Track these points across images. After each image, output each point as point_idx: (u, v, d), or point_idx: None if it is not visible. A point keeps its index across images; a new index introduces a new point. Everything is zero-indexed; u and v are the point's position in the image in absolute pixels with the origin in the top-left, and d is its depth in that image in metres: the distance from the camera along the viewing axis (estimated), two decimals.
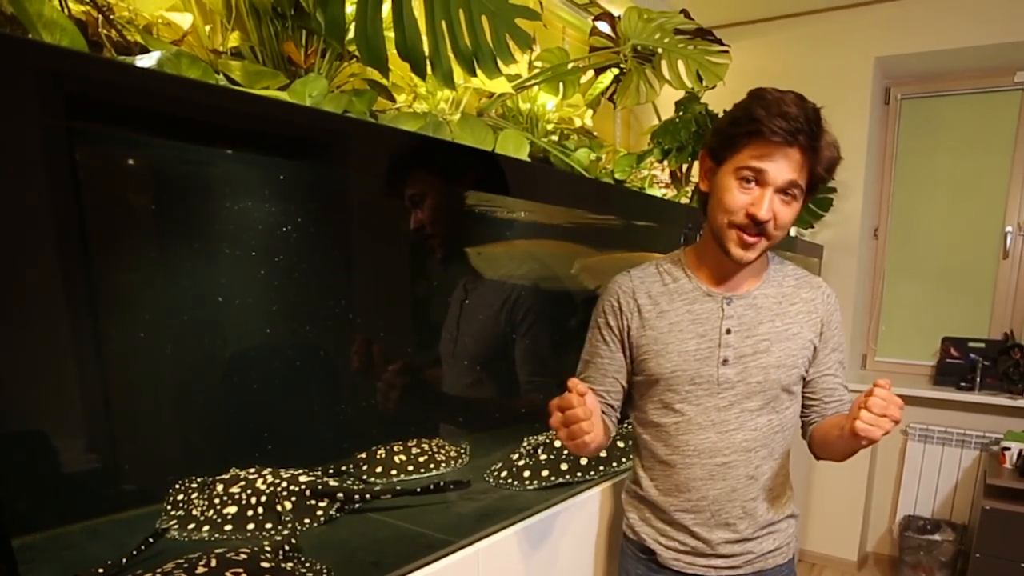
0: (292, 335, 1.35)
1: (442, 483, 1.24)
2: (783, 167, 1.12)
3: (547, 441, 1.51)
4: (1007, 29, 2.83)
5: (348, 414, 1.49)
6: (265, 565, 0.91)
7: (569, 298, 1.89)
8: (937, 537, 3.06)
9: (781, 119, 1.08)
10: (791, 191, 1.14)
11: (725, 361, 1.22)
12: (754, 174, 1.13)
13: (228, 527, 1.11)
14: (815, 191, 1.21)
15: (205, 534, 1.09)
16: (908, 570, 3.11)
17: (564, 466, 1.47)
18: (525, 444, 1.54)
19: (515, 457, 1.49)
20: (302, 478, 1.22)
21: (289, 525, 1.13)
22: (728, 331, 1.22)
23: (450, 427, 1.68)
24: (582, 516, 1.47)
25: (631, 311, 1.28)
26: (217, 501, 1.14)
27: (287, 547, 1.02)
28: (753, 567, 1.31)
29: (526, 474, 1.43)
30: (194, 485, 1.19)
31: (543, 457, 1.47)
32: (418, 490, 1.23)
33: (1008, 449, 2.81)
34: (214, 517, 1.12)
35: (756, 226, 1.15)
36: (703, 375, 1.22)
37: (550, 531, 1.36)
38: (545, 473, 1.44)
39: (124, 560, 0.96)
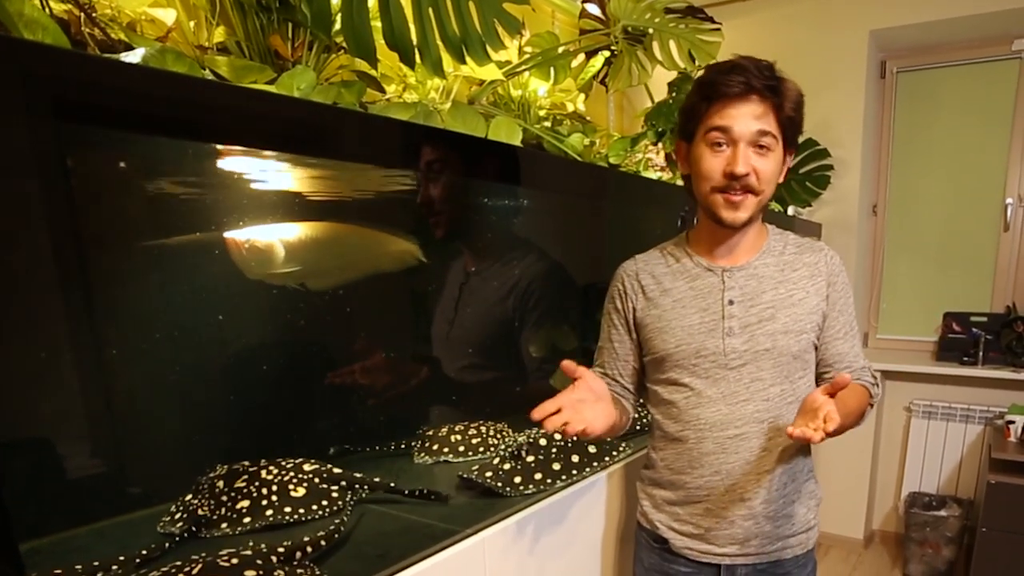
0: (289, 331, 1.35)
1: (426, 491, 1.26)
2: (747, 118, 1.13)
3: (531, 441, 1.45)
4: None
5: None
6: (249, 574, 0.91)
7: None
8: (943, 513, 3.07)
9: (731, 73, 1.13)
10: (763, 141, 1.15)
11: (730, 331, 1.22)
12: (722, 133, 1.15)
13: (247, 519, 1.11)
14: (793, 139, 1.21)
15: (227, 529, 1.10)
16: (915, 547, 3.12)
17: (557, 466, 1.42)
18: (504, 447, 1.47)
19: (497, 461, 1.42)
20: (306, 467, 1.23)
21: (340, 515, 1.13)
22: (731, 302, 1.23)
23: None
24: (587, 502, 1.47)
25: (635, 292, 1.31)
26: (234, 494, 1.15)
27: (309, 549, 1.01)
28: (769, 556, 1.28)
29: (516, 479, 1.36)
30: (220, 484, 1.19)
31: (531, 459, 1.41)
32: (405, 492, 1.26)
33: (1012, 422, 2.80)
34: (229, 514, 1.12)
35: (737, 182, 1.16)
36: (708, 348, 1.22)
37: (556, 518, 1.36)
38: (539, 476, 1.38)
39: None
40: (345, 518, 1.12)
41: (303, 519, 1.14)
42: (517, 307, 1.68)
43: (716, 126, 1.14)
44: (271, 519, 1.12)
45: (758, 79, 1.12)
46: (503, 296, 1.68)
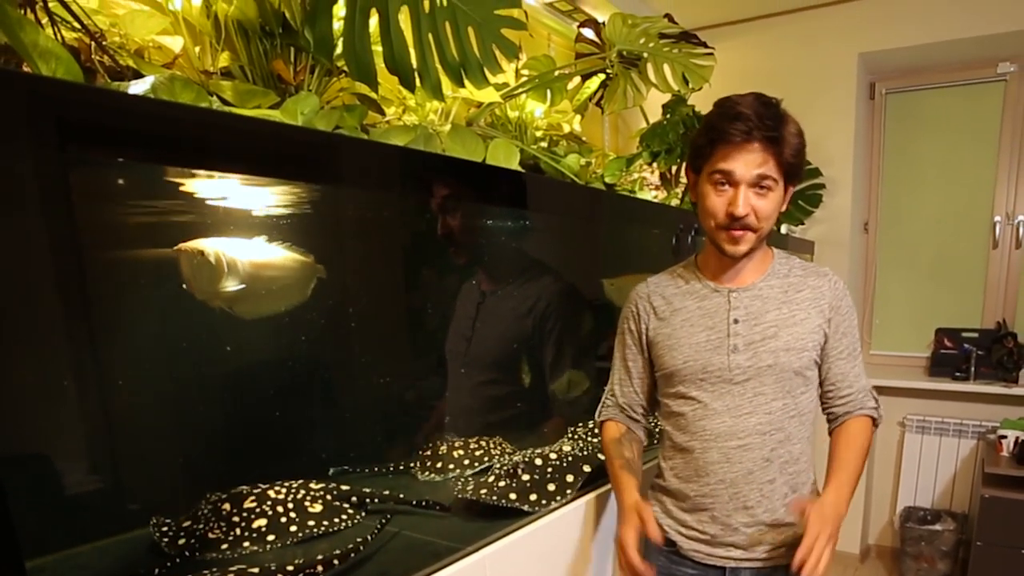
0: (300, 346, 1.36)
1: (432, 502, 1.30)
2: (748, 164, 1.20)
3: (527, 460, 1.45)
4: (989, 21, 2.86)
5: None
6: None
7: None
8: (938, 527, 3.08)
9: (736, 121, 1.18)
10: (764, 183, 1.22)
11: (735, 348, 1.28)
12: (724, 176, 1.22)
13: (271, 536, 1.12)
14: (795, 177, 1.27)
15: (254, 547, 1.10)
16: (910, 561, 3.12)
17: (552, 487, 1.41)
18: (499, 464, 1.47)
19: (491, 479, 1.41)
20: (313, 484, 1.25)
21: (365, 533, 1.14)
22: (736, 321, 1.30)
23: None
24: (591, 516, 1.48)
25: (647, 313, 1.39)
26: (246, 513, 1.15)
27: (320, 568, 1.01)
28: (772, 561, 1.32)
29: (512, 496, 1.35)
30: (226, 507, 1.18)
31: (526, 478, 1.41)
32: (413, 503, 1.28)
33: (1004, 437, 2.82)
34: (245, 532, 1.12)
35: (737, 222, 1.23)
36: (715, 364, 1.29)
37: (558, 533, 1.37)
38: (533, 497, 1.37)
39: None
40: (370, 537, 1.13)
41: (329, 531, 1.16)
42: (517, 324, 1.71)
43: (719, 169, 1.22)
44: (298, 535, 1.13)
45: (759, 129, 1.18)
46: (509, 315, 1.71)
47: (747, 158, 1.20)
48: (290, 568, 0.98)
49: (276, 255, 1.23)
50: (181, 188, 1.04)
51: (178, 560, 1.02)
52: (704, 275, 1.36)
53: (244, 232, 1.19)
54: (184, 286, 1.11)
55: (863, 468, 1.33)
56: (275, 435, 1.35)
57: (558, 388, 1.81)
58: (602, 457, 1.49)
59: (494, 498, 1.32)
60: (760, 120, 1.18)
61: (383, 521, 1.19)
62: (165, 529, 1.12)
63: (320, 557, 1.02)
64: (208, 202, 1.12)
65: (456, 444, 1.57)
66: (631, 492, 1.35)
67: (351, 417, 1.49)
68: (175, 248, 1.09)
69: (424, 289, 1.68)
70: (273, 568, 0.96)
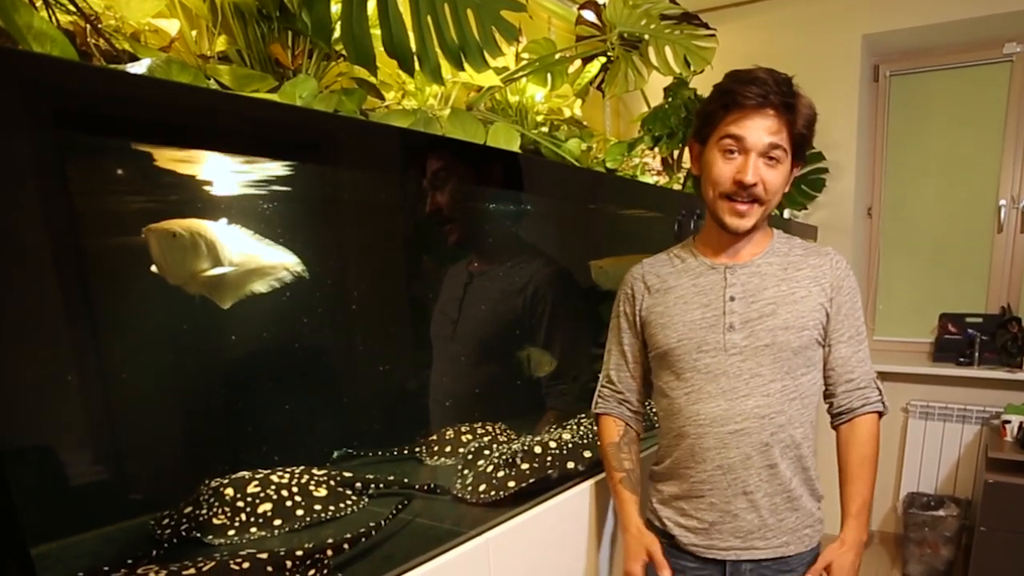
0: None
1: (434, 486, 1.30)
2: (761, 130, 1.17)
3: (526, 448, 1.44)
4: (994, 0, 2.83)
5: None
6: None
7: None
8: (941, 513, 3.08)
9: (751, 84, 1.15)
10: (774, 153, 1.19)
11: (731, 327, 1.24)
12: (735, 142, 1.18)
13: (277, 521, 1.12)
14: (802, 153, 1.24)
15: (262, 533, 1.11)
16: (914, 547, 3.12)
17: (552, 474, 1.40)
18: (497, 454, 1.46)
19: (490, 469, 1.39)
20: (315, 470, 1.25)
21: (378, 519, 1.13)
22: (732, 298, 1.26)
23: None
24: (591, 501, 1.48)
25: (641, 293, 1.35)
26: (250, 499, 1.15)
27: (330, 552, 1.02)
28: (773, 551, 1.29)
29: (511, 484, 1.33)
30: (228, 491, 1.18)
31: (525, 467, 1.39)
32: (416, 487, 1.29)
33: (1008, 422, 2.82)
34: (249, 519, 1.12)
35: (745, 191, 1.19)
36: (710, 342, 1.25)
37: (559, 518, 1.37)
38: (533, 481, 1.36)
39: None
40: (384, 523, 1.13)
41: (335, 516, 1.16)
42: (510, 307, 1.70)
43: (730, 134, 1.18)
44: (306, 520, 1.13)
45: (776, 94, 1.15)
46: (501, 297, 1.70)
47: (761, 124, 1.17)
48: (299, 553, 0.98)
49: (275, 240, 1.23)
50: (174, 172, 1.04)
51: (175, 541, 1.02)
52: (701, 253, 1.33)
53: (239, 218, 1.18)
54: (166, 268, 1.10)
55: (876, 477, 1.31)
56: (273, 422, 1.35)
57: (551, 372, 1.80)
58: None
59: (493, 492, 1.32)
60: (776, 85, 1.16)
61: (398, 507, 1.19)
62: (166, 521, 1.11)
63: (330, 541, 1.02)
64: (200, 185, 1.12)
65: (463, 429, 1.58)
66: (633, 517, 1.36)
67: (349, 403, 1.49)
68: (170, 232, 1.08)
69: (424, 276, 1.67)
70: (282, 553, 0.97)
